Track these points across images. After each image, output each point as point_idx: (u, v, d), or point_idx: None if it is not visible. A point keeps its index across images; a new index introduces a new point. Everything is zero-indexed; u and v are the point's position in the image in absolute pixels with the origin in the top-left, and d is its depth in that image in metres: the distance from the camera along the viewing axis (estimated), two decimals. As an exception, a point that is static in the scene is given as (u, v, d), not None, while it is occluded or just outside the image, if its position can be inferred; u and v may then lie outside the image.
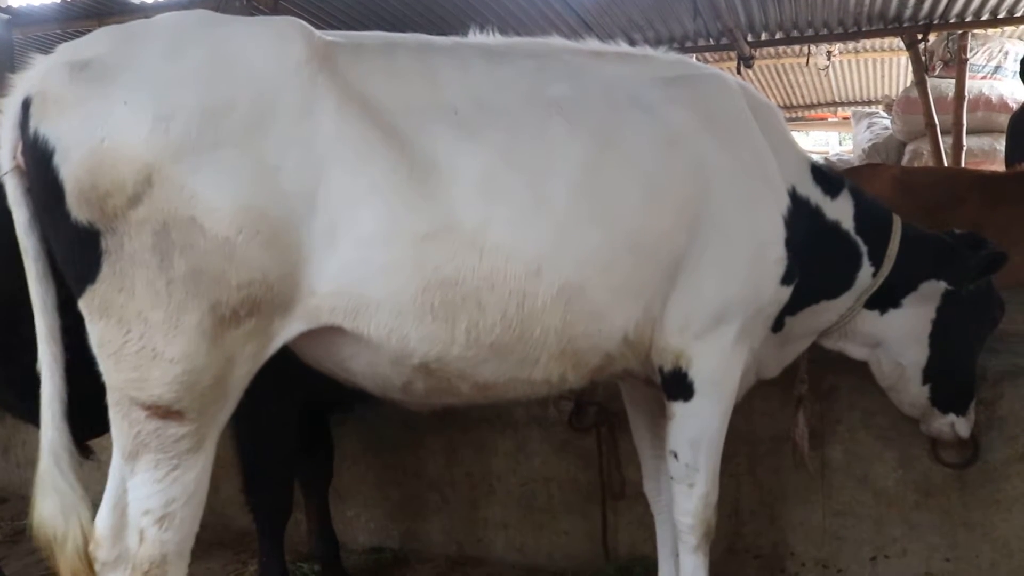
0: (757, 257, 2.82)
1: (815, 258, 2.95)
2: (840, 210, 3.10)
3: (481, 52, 2.68)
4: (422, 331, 2.38)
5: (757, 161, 2.89)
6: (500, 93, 2.55)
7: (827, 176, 3.15)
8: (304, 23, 2.39)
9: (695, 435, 2.90)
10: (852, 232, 3.10)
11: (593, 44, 2.97)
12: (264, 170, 2.17)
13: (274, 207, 2.17)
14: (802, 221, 2.93)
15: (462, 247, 2.35)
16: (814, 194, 3.05)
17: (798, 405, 3.35)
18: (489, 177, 2.41)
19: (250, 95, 2.19)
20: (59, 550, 2.35)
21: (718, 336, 2.80)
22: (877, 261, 3.11)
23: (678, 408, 2.89)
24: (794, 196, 2.95)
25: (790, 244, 2.86)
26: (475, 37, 2.79)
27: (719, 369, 2.85)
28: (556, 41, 2.93)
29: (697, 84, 2.93)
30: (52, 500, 2.35)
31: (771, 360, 3.18)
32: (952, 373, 3.22)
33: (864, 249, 3.10)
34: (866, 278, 3.11)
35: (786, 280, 2.89)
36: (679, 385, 2.84)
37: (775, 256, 2.85)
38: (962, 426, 3.27)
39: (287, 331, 2.32)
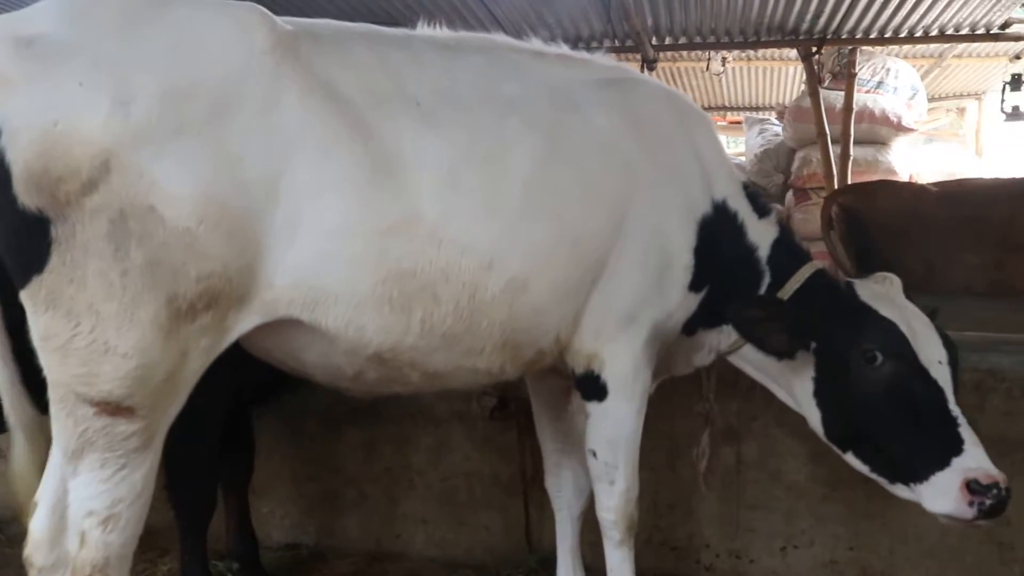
0: (666, 263, 2.87)
1: (726, 272, 2.98)
2: (762, 234, 3.06)
3: (432, 45, 2.69)
4: (379, 322, 2.39)
5: (676, 168, 2.94)
6: (458, 87, 2.57)
7: (757, 197, 3.14)
8: (265, 10, 2.32)
9: (612, 434, 2.96)
10: (764, 260, 3.04)
11: (535, 44, 3.00)
12: (227, 159, 2.11)
13: (236, 197, 2.12)
14: (720, 232, 2.97)
15: (422, 240, 2.37)
16: (742, 209, 3.05)
17: (705, 423, 3.36)
18: (451, 170, 2.42)
19: (214, 82, 2.12)
20: None
21: (629, 339, 2.86)
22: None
23: (593, 408, 2.94)
24: (716, 206, 2.99)
25: (699, 252, 2.91)
26: (422, 30, 2.78)
27: (631, 371, 2.91)
28: (499, 38, 2.96)
29: (627, 90, 3.00)
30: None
31: (682, 359, 3.22)
32: (869, 439, 2.70)
33: (767, 280, 3.02)
34: None
35: (694, 287, 2.94)
36: (593, 387, 2.91)
37: (683, 263, 2.91)
38: (929, 498, 2.54)
39: (242, 325, 2.27)
